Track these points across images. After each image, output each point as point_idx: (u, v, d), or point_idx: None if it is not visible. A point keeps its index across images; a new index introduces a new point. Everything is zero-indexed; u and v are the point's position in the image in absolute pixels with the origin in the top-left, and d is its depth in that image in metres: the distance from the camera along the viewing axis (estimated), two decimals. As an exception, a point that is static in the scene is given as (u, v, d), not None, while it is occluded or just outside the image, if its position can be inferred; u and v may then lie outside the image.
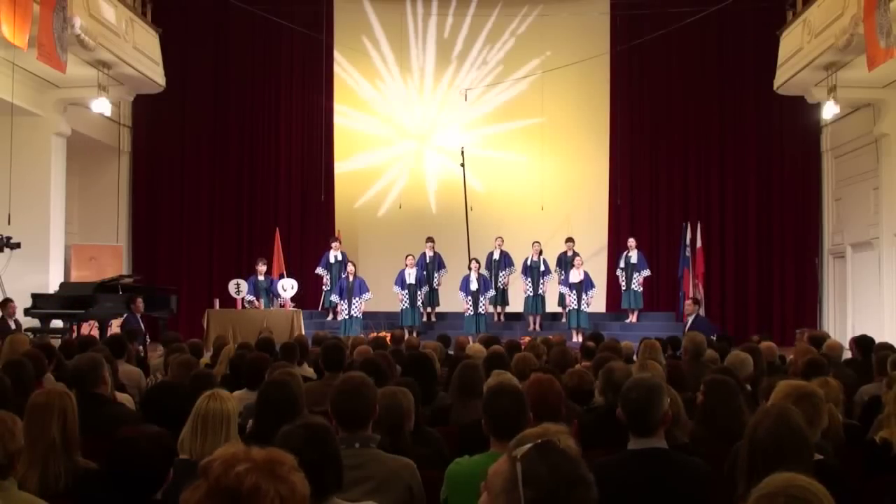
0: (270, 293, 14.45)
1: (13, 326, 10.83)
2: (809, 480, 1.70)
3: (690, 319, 12.71)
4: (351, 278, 14.36)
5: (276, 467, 1.53)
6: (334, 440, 2.66)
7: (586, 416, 4.71)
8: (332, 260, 15.11)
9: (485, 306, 14.60)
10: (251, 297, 14.20)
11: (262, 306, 14.21)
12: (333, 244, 15.22)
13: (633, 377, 3.64)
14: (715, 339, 9.58)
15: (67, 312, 11.94)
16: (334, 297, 14.57)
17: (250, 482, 1.48)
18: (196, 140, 16.78)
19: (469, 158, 15.66)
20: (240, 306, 14.23)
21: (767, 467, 2.37)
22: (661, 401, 3.28)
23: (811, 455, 2.88)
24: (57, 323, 12.14)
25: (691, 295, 14.41)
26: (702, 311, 14.87)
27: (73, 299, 12.07)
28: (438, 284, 15.13)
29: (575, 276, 14.39)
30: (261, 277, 14.44)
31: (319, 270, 15.27)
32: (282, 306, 14.26)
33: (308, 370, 6.75)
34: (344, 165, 17.09)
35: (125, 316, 12.35)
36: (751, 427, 2.86)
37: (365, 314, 14.44)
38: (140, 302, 12.44)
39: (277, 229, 15.76)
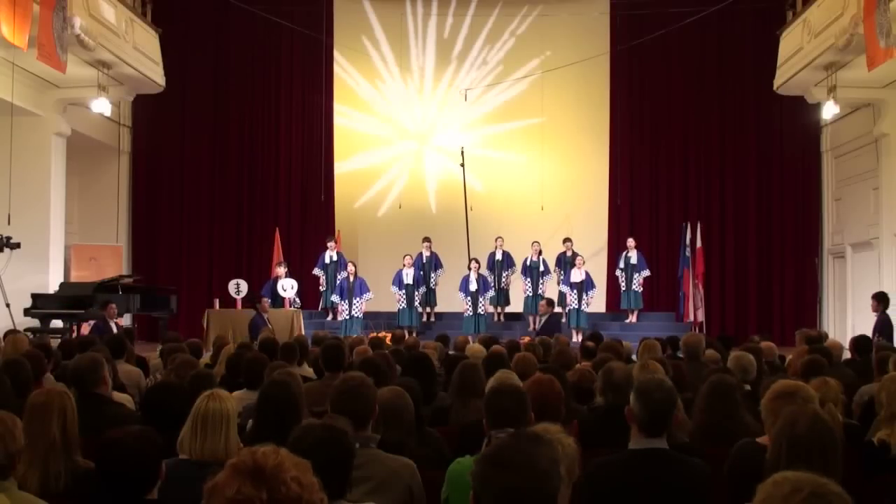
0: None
1: (114, 329, 10.80)
2: (832, 482, 1.69)
3: (543, 320, 12.73)
4: (352, 278, 14.35)
5: (296, 458, 1.59)
6: (349, 447, 2.59)
7: (586, 415, 4.70)
8: (327, 260, 15.10)
9: (484, 306, 14.59)
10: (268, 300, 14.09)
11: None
12: (329, 244, 15.20)
13: (651, 378, 3.62)
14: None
15: (67, 312, 11.94)
16: (335, 298, 14.56)
17: (274, 460, 1.54)
18: (196, 140, 16.77)
19: (469, 158, 15.65)
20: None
21: (809, 465, 2.35)
22: (677, 402, 3.37)
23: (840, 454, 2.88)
24: (57, 323, 12.13)
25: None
26: (699, 314, 14.88)
27: (73, 299, 12.08)
28: (436, 284, 15.12)
29: (576, 275, 14.38)
30: (282, 279, 14.28)
31: (316, 271, 15.27)
32: (301, 307, 14.15)
33: (308, 370, 6.75)
34: (344, 165, 17.08)
35: (253, 317, 12.19)
36: (787, 425, 2.85)
37: (365, 314, 14.42)
38: (266, 302, 12.31)
39: (277, 229, 15.77)
